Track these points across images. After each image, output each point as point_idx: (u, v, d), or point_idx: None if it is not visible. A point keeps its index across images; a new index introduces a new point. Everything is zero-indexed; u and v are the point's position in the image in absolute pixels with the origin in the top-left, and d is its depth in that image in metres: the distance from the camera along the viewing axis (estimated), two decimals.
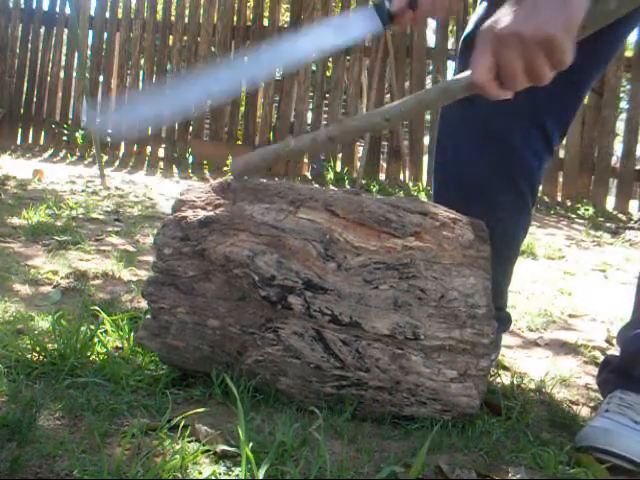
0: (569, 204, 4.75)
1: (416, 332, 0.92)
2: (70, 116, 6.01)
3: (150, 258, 1.99)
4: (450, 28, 5.77)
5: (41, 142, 6.02)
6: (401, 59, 5.14)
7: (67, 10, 5.72)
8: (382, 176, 5.32)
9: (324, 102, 5.53)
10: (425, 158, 5.08)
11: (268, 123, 5.54)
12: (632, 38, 4.86)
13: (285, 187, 1.03)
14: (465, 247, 0.97)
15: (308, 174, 5.32)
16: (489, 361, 0.95)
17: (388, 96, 5.59)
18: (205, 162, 5.45)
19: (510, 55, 0.82)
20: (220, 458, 0.79)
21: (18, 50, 6.11)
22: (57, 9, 6.05)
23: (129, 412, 0.90)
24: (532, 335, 1.60)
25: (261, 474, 0.72)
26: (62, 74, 6.11)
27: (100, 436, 0.81)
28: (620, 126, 5.63)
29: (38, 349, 1.07)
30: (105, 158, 5.25)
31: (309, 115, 5.70)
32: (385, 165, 5.36)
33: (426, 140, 5.30)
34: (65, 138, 5.90)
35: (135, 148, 5.81)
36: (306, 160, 5.42)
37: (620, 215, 4.53)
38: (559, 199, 4.85)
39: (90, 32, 5.98)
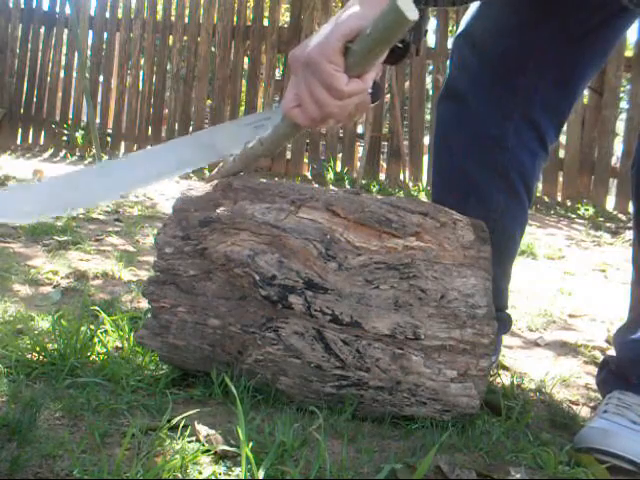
0: (569, 204, 4.75)
1: (416, 332, 0.92)
2: (70, 116, 6.01)
3: (150, 258, 1.99)
4: (450, 28, 5.76)
5: (41, 142, 6.02)
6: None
7: (67, 10, 5.73)
8: (382, 176, 5.32)
9: None
10: (425, 158, 5.08)
11: None
12: (632, 38, 4.87)
13: (286, 187, 1.03)
14: (466, 247, 0.97)
15: (308, 174, 5.31)
16: (489, 361, 0.95)
17: (388, 96, 5.59)
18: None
19: (296, 80, 0.84)
20: (220, 458, 0.79)
21: (18, 50, 6.11)
22: (57, 9, 6.04)
23: (129, 412, 0.90)
24: (532, 335, 1.60)
25: (261, 474, 0.72)
26: (62, 74, 6.11)
27: (100, 436, 0.81)
28: (620, 126, 5.63)
29: (38, 349, 1.06)
30: (105, 158, 5.25)
31: None
32: (385, 165, 5.36)
33: (426, 140, 5.30)
34: (65, 138, 5.89)
35: (135, 148, 5.80)
36: (306, 160, 5.42)
37: (620, 215, 4.53)
38: (559, 199, 4.85)
39: (90, 32, 5.97)
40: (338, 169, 5.22)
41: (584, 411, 1.11)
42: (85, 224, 2.55)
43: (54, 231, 2.25)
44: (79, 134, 5.81)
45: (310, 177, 5.24)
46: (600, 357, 1.42)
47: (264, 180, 1.08)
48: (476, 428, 0.94)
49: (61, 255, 1.94)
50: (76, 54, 5.63)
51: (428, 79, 6.12)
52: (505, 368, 1.30)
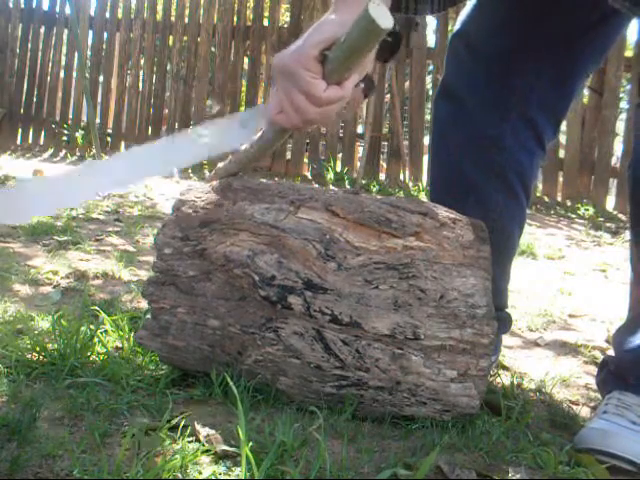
0: (569, 204, 4.74)
1: (416, 332, 0.92)
2: (70, 116, 6.01)
3: (150, 258, 1.99)
4: (450, 28, 5.76)
5: (41, 142, 6.02)
6: (401, 59, 5.14)
7: (67, 10, 5.72)
8: (382, 176, 5.32)
9: None
10: (425, 158, 5.07)
11: None
12: (632, 38, 4.87)
13: (285, 187, 1.03)
14: (465, 247, 0.97)
15: (308, 174, 5.31)
16: (489, 361, 0.95)
17: (388, 96, 5.59)
18: (205, 162, 5.45)
19: (278, 87, 0.85)
20: (220, 458, 0.79)
21: (18, 50, 6.11)
22: (57, 9, 6.04)
23: (129, 412, 0.90)
24: (532, 335, 1.60)
25: (261, 474, 0.72)
26: (62, 74, 6.11)
27: (100, 436, 0.81)
28: (620, 126, 5.63)
29: (38, 349, 1.07)
30: (105, 158, 5.24)
31: None
32: (385, 165, 5.36)
33: (426, 140, 5.29)
34: (65, 138, 5.90)
35: None
36: (306, 160, 5.42)
37: (620, 215, 4.53)
38: (559, 199, 4.85)
39: (90, 32, 5.97)
40: (338, 169, 5.22)
41: (584, 411, 1.11)
42: (85, 224, 2.55)
43: (54, 231, 2.25)
44: (79, 134, 5.81)
45: (310, 177, 5.24)
46: (600, 357, 1.42)
47: (264, 180, 1.08)
48: (476, 428, 0.94)
49: (61, 255, 1.94)
50: (76, 54, 5.63)
51: (428, 79, 6.12)
52: (505, 368, 1.30)
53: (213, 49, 5.72)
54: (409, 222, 0.96)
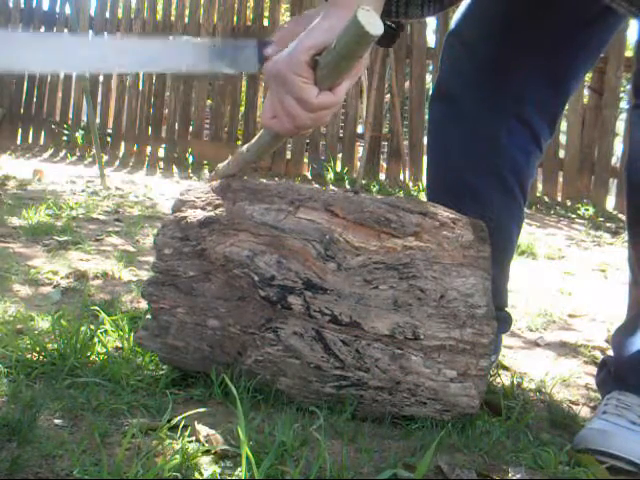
0: (569, 204, 4.75)
1: (416, 332, 0.92)
2: (70, 116, 6.01)
3: (150, 258, 1.99)
4: None
5: (41, 142, 6.02)
6: (401, 59, 5.14)
7: (67, 10, 5.73)
8: (382, 176, 5.32)
9: None
10: (425, 158, 5.07)
11: None
12: (632, 38, 4.87)
13: (285, 187, 1.03)
14: (465, 247, 0.97)
15: (308, 174, 5.31)
16: (489, 361, 0.95)
17: (388, 96, 5.59)
18: (205, 162, 5.45)
19: (271, 92, 0.85)
20: (220, 458, 0.79)
21: None
22: (57, 9, 6.04)
23: (129, 412, 0.90)
24: (532, 335, 1.60)
25: (261, 474, 0.72)
26: (62, 74, 6.11)
27: (100, 436, 0.81)
28: (620, 126, 5.64)
29: (38, 349, 1.07)
30: (105, 158, 5.25)
31: None
32: (385, 165, 5.36)
33: (426, 140, 5.29)
34: (65, 138, 5.90)
35: (135, 148, 5.81)
36: (306, 160, 5.42)
37: (620, 215, 4.53)
38: (559, 199, 4.85)
39: (90, 32, 5.97)
40: (338, 169, 5.22)
41: (584, 411, 1.11)
42: (85, 224, 2.55)
43: (54, 231, 2.25)
44: (79, 134, 5.82)
45: (310, 177, 5.24)
46: (600, 357, 1.42)
47: (264, 180, 1.08)
48: (476, 428, 0.94)
49: (61, 255, 1.94)
50: None
51: (428, 79, 6.12)
52: (505, 368, 1.30)
53: None
54: (409, 222, 0.96)
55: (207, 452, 0.80)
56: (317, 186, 4.64)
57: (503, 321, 1.22)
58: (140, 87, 5.83)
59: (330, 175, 5.07)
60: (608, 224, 4.11)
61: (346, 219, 0.97)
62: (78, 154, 5.70)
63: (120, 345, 1.15)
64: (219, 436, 0.83)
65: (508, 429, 0.96)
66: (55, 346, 1.08)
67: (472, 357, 0.93)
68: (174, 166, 5.47)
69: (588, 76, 5.08)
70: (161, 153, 5.82)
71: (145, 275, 1.77)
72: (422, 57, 5.13)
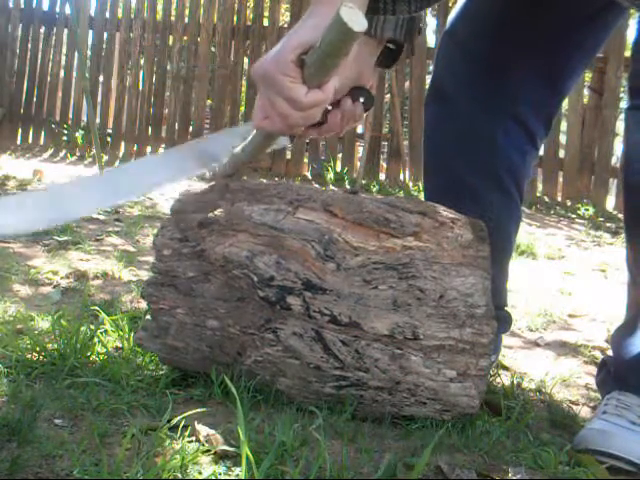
0: (569, 204, 4.74)
1: (415, 332, 0.92)
2: (70, 116, 6.00)
3: (150, 258, 1.99)
4: None
5: (41, 142, 6.01)
6: (401, 59, 5.12)
7: (67, 10, 5.72)
8: (382, 176, 5.32)
9: None
10: None
11: None
12: (632, 38, 4.86)
13: (284, 188, 1.03)
14: (464, 247, 0.97)
15: (308, 174, 5.31)
16: (489, 361, 0.95)
17: (388, 96, 5.59)
18: None
19: (260, 93, 0.86)
20: (220, 458, 0.79)
21: (18, 50, 6.11)
22: (57, 9, 6.03)
23: (129, 412, 0.90)
24: (532, 335, 1.60)
25: (261, 474, 0.72)
26: (62, 74, 6.11)
27: (100, 436, 0.81)
28: (620, 126, 5.63)
29: (38, 349, 1.07)
30: (105, 158, 5.25)
31: None
32: (385, 165, 5.36)
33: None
34: (65, 138, 5.89)
35: (135, 148, 5.80)
36: (306, 160, 5.42)
37: (620, 215, 4.52)
38: (559, 199, 4.85)
39: (90, 32, 5.97)
40: (338, 169, 5.22)
41: (584, 411, 1.11)
42: (85, 224, 2.55)
43: (54, 231, 2.25)
44: (79, 134, 5.81)
45: (310, 177, 5.24)
46: (600, 357, 1.42)
47: (263, 180, 1.08)
48: (476, 428, 0.94)
49: (61, 255, 1.94)
50: (76, 54, 5.62)
51: (428, 79, 6.12)
52: (505, 368, 1.30)
53: (213, 49, 5.72)
54: (408, 222, 0.96)
55: (207, 452, 0.80)
56: (317, 186, 4.64)
57: (503, 321, 1.22)
58: (140, 87, 5.83)
59: (330, 175, 5.07)
60: (608, 224, 4.11)
61: (345, 219, 0.97)
62: (78, 154, 5.69)
63: (120, 345, 1.15)
64: (219, 436, 0.83)
65: (508, 429, 0.96)
66: (55, 346, 1.08)
67: (472, 357, 0.93)
68: None
69: (588, 76, 5.08)
70: None
71: (145, 275, 1.77)
72: (422, 57, 5.12)
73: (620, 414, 0.94)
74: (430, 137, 1.21)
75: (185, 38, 5.71)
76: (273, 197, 1.01)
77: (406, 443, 0.89)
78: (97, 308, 1.30)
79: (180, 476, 0.74)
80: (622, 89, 5.03)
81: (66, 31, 5.97)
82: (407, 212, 0.97)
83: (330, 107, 0.94)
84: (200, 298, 1.00)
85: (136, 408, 0.92)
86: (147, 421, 0.87)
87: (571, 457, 0.88)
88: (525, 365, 1.35)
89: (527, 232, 3.30)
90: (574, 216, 4.43)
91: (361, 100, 0.96)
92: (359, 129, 5.48)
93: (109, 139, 5.84)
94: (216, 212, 1.02)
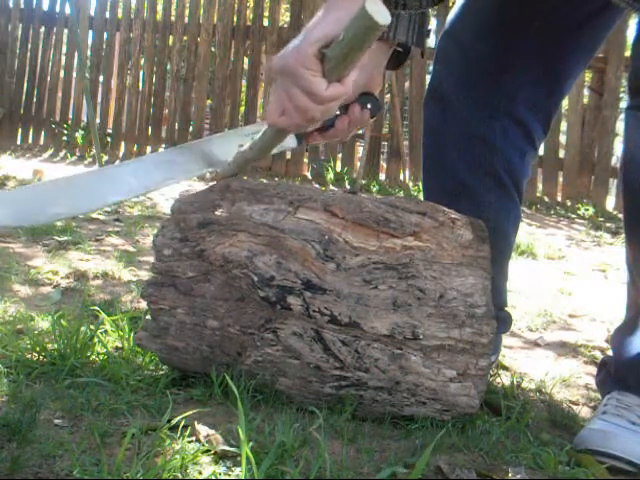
0: (569, 204, 4.74)
1: (415, 332, 0.92)
2: (70, 116, 6.00)
3: (150, 258, 1.99)
4: None
5: (41, 142, 6.02)
6: None
7: (67, 10, 5.72)
8: (382, 176, 5.32)
9: None
10: None
11: None
12: (631, 38, 4.86)
13: (284, 188, 1.03)
14: (464, 247, 0.97)
15: (308, 174, 5.31)
16: (489, 361, 0.95)
17: (388, 96, 5.59)
18: None
19: (277, 89, 0.85)
20: (220, 458, 0.79)
21: (18, 50, 6.11)
22: (57, 9, 6.04)
23: (129, 412, 0.90)
24: (532, 335, 1.60)
25: (261, 474, 0.72)
26: (62, 74, 6.11)
27: (100, 436, 0.81)
28: (620, 126, 5.63)
29: (38, 349, 1.07)
30: (105, 158, 5.25)
31: None
32: (385, 165, 5.36)
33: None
34: (65, 138, 5.89)
35: (135, 148, 5.80)
36: (306, 160, 5.42)
37: (620, 215, 4.53)
38: (559, 199, 4.85)
39: (90, 32, 5.97)
40: (338, 169, 5.22)
41: (584, 411, 1.11)
42: (85, 224, 2.55)
43: (54, 231, 2.25)
44: (79, 134, 5.81)
45: (310, 177, 5.24)
46: (600, 357, 1.42)
47: (263, 180, 1.08)
48: (476, 428, 0.94)
49: (61, 255, 1.94)
50: (76, 54, 5.62)
51: (428, 79, 6.12)
52: (505, 368, 1.30)
53: (213, 49, 5.72)
54: (408, 222, 0.96)
55: (207, 452, 0.80)
56: (317, 186, 4.64)
57: (503, 321, 1.22)
58: (140, 87, 5.83)
59: (330, 175, 5.07)
60: (608, 224, 4.11)
61: (345, 219, 0.97)
62: (78, 154, 5.70)
63: (120, 345, 1.15)
64: (219, 436, 0.83)
65: (508, 429, 0.96)
66: (55, 346, 1.08)
67: (472, 357, 0.93)
68: None
69: (588, 76, 5.08)
70: None
71: (145, 275, 1.77)
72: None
73: (620, 414, 0.94)
74: (429, 137, 1.21)
75: (185, 38, 5.71)
76: (273, 197, 1.01)
77: (406, 443, 0.89)
78: (97, 308, 1.30)
79: (180, 476, 0.74)
80: (622, 89, 5.03)
81: (66, 31, 5.97)
82: (407, 212, 0.97)
83: (338, 112, 0.94)
84: (200, 298, 1.00)
85: (136, 408, 0.92)
86: (147, 421, 0.87)
87: (571, 457, 0.88)
88: (525, 365, 1.35)
89: (527, 232, 3.30)
90: (574, 216, 4.43)
91: (368, 106, 0.96)
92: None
93: (109, 139, 5.84)
94: (216, 212, 1.02)
